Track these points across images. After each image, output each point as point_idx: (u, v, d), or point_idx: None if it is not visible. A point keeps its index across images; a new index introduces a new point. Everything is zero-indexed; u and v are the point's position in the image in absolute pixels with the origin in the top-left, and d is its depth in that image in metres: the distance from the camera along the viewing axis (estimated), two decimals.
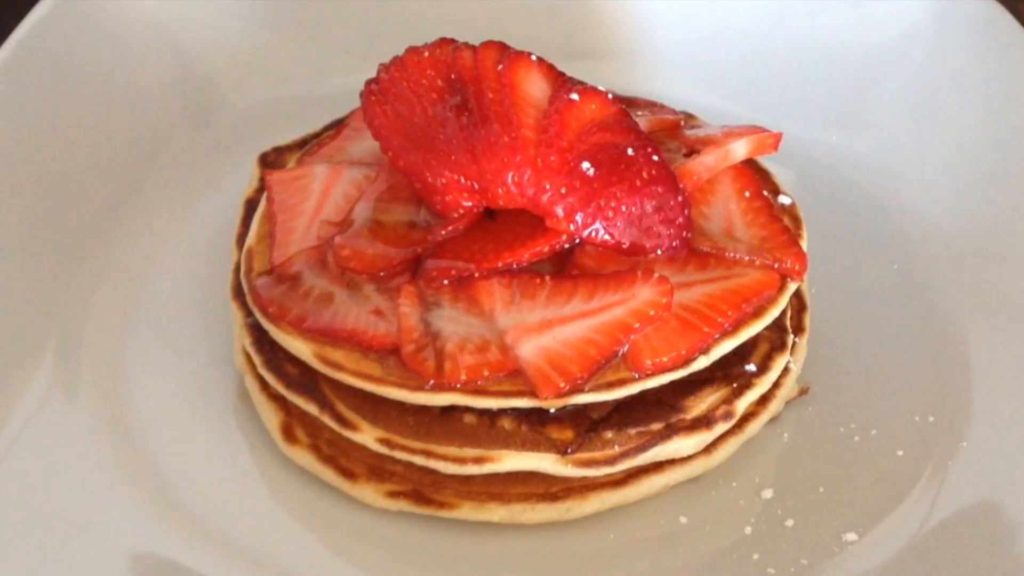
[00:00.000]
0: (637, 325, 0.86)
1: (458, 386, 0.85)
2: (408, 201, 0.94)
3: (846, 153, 1.19)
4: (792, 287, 0.93)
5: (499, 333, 0.86)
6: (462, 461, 0.88)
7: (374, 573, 0.88)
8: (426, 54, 0.90)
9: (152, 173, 1.15)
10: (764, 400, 0.95)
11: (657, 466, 0.91)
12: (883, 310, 1.05)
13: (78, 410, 0.95)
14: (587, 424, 0.89)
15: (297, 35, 1.29)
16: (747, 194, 0.96)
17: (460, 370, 0.85)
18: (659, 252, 0.89)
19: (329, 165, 1.00)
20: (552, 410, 0.88)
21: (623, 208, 0.87)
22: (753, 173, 0.98)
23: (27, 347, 0.98)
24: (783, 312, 0.96)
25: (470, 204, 0.89)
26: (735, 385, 0.92)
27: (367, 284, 0.91)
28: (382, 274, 0.90)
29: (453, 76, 0.89)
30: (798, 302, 1.01)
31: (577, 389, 0.86)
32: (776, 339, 0.95)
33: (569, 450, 0.88)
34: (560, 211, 0.87)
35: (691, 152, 0.96)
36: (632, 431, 0.89)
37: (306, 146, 1.08)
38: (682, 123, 1.02)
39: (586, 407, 0.89)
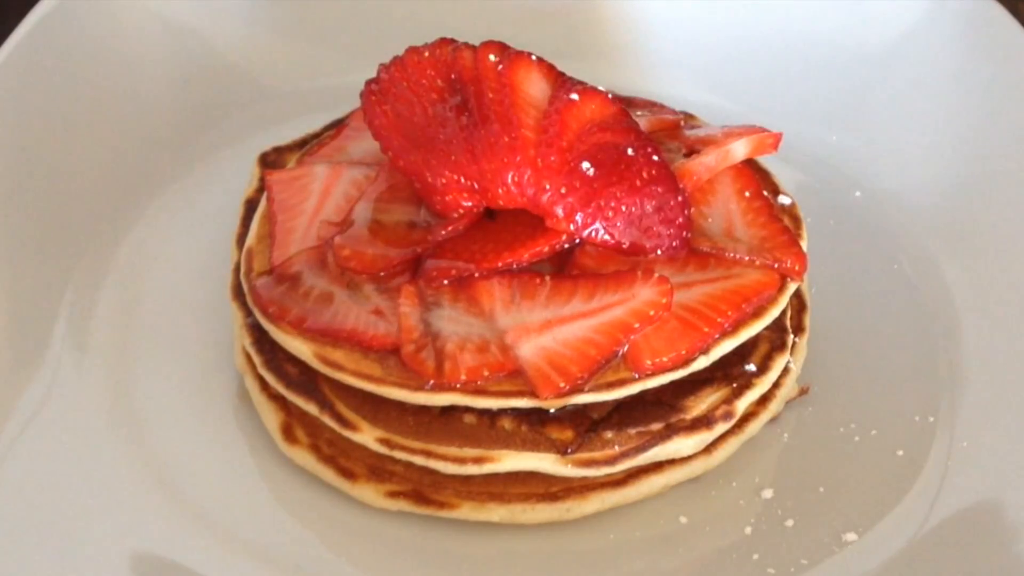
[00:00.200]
0: (637, 325, 0.86)
1: (458, 386, 0.85)
2: (408, 201, 0.94)
3: (846, 153, 1.19)
4: (792, 287, 0.93)
5: (499, 333, 0.86)
6: (462, 461, 0.88)
7: (374, 573, 0.88)
8: (426, 54, 0.90)
9: (152, 173, 1.15)
10: (764, 400, 0.95)
11: (657, 466, 0.91)
12: (883, 310, 1.05)
13: (78, 410, 0.95)
14: (587, 424, 0.89)
15: (297, 35, 1.29)
16: (747, 194, 0.96)
17: (460, 370, 0.85)
18: (659, 252, 0.89)
19: (329, 165, 1.00)
20: (552, 410, 0.88)
21: (623, 208, 0.87)
22: (753, 173, 0.98)
23: (27, 347, 0.98)
24: (783, 312, 0.96)
25: (470, 204, 0.89)
26: (735, 385, 0.92)
27: (367, 284, 0.91)
28: (382, 274, 0.90)
29: (453, 76, 0.89)
30: (798, 302, 1.01)
31: (577, 389, 0.86)
32: (776, 339, 0.95)
33: (569, 450, 0.88)
34: (560, 211, 0.87)
35: (691, 152, 0.96)
36: (632, 431, 0.89)
37: (306, 146, 1.08)
38: (682, 123, 1.02)
39: (586, 407, 0.89)
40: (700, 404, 0.91)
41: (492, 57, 0.87)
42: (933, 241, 1.10)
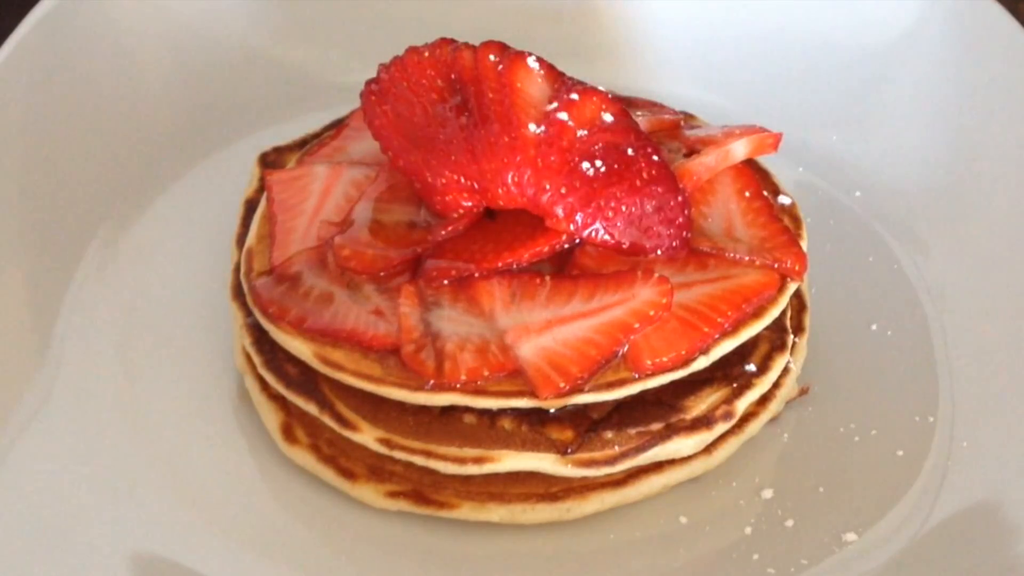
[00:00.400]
0: (637, 325, 0.86)
1: (458, 386, 0.85)
2: (408, 201, 0.94)
3: (846, 153, 1.19)
4: (792, 287, 0.93)
5: (499, 333, 0.86)
6: (462, 461, 0.88)
7: (374, 573, 0.88)
8: (426, 54, 0.90)
9: (152, 173, 1.15)
10: (764, 400, 0.95)
11: (657, 466, 0.91)
12: (883, 310, 1.05)
13: (78, 410, 0.95)
14: (587, 424, 0.89)
15: (297, 35, 1.29)
16: (747, 194, 0.96)
17: (460, 370, 0.85)
18: (659, 252, 0.89)
19: (329, 165, 1.00)
20: (552, 410, 0.88)
21: (623, 208, 0.87)
22: (753, 173, 0.98)
23: (27, 347, 0.98)
24: (783, 312, 0.96)
25: (470, 204, 0.89)
26: (735, 385, 0.92)
27: (367, 284, 0.91)
28: (382, 274, 0.90)
29: (453, 76, 0.89)
30: (798, 302, 1.01)
31: (577, 389, 0.86)
32: (776, 339, 0.95)
33: (569, 450, 0.88)
34: (560, 211, 0.87)
35: (691, 152, 0.96)
36: (632, 431, 0.89)
37: (306, 146, 1.08)
38: (682, 123, 1.02)
39: (586, 407, 0.89)
40: (700, 404, 0.91)
41: (492, 57, 0.87)
42: (933, 241, 1.10)
